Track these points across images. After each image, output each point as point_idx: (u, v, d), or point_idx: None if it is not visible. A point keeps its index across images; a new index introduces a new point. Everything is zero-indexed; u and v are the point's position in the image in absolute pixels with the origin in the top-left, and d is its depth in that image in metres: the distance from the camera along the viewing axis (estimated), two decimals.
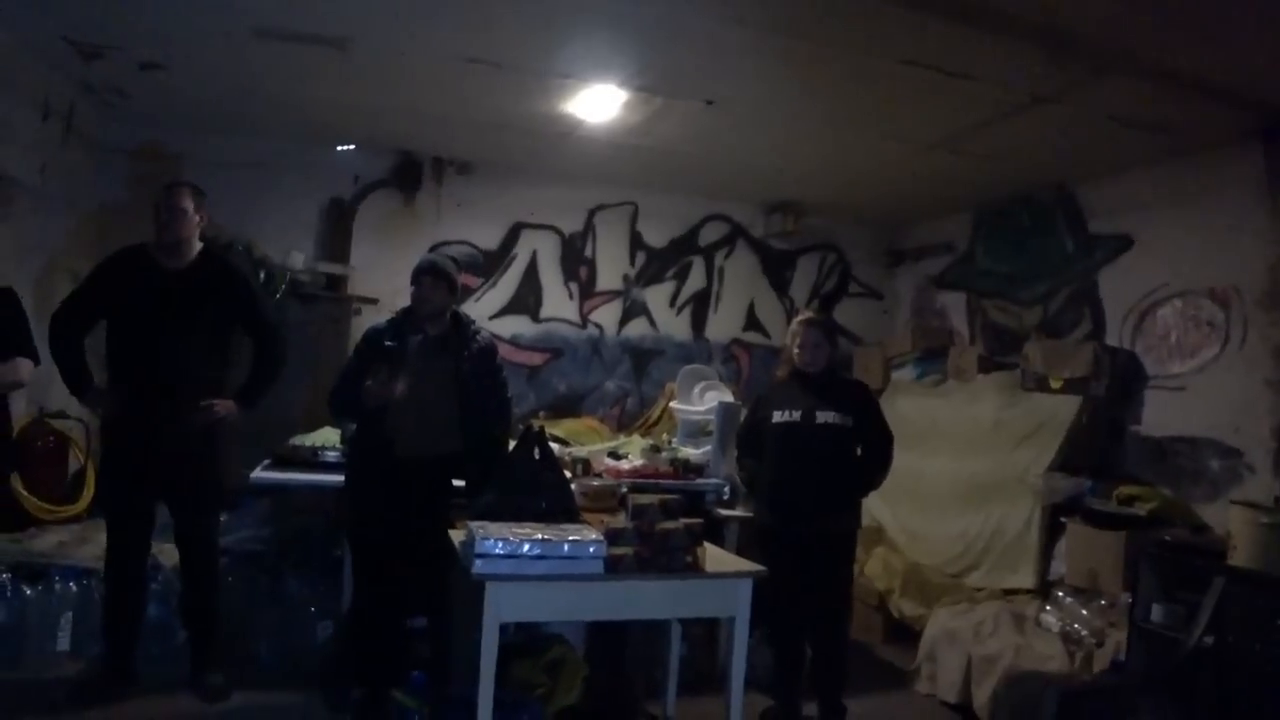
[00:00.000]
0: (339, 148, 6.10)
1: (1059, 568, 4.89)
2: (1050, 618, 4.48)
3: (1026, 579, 4.99)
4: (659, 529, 3.04)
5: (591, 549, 2.90)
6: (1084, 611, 4.41)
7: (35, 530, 4.70)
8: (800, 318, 4.22)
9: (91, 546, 4.33)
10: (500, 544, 2.79)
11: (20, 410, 4.95)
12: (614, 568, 2.94)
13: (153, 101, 5.47)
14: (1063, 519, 4.89)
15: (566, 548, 2.87)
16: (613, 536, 2.98)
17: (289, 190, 6.12)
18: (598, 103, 4.97)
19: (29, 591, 4.14)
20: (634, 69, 4.54)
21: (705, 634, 4.52)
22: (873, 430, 4.10)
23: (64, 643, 4.19)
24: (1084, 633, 4.30)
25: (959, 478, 5.60)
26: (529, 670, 3.87)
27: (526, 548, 2.80)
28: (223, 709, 3.87)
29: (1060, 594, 4.62)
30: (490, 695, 2.89)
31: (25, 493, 4.79)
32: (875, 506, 5.92)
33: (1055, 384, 5.29)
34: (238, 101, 5.42)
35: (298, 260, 5.85)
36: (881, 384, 6.57)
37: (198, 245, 3.92)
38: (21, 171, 4.88)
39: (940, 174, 5.82)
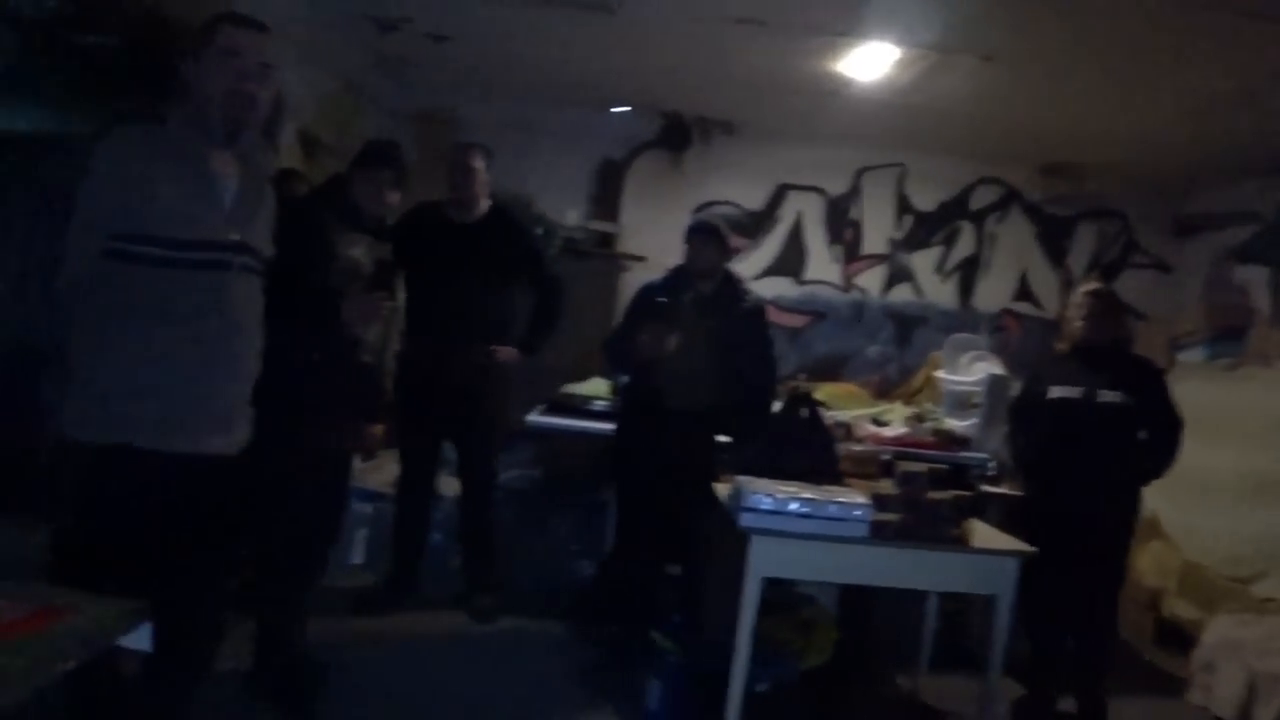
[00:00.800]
0: (613, 109, 6.29)
1: None
2: None
3: None
4: (927, 498, 2.99)
5: (857, 512, 2.89)
6: None
7: None
8: (1085, 287, 3.98)
9: (384, 474, 4.74)
10: (768, 499, 2.84)
11: None
12: (878, 533, 2.92)
13: (436, 70, 5.84)
14: None
15: (833, 509, 2.87)
16: (879, 502, 2.96)
17: (565, 151, 6.40)
18: (869, 61, 4.84)
19: None
20: (911, 24, 4.36)
21: (956, 610, 4.41)
22: (1160, 413, 3.82)
23: (358, 556, 4.69)
24: None
25: (1251, 472, 5.11)
26: (781, 627, 3.91)
27: (794, 505, 2.83)
28: (489, 629, 4.18)
29: None
30: (748, 646, 2.97)
31: None
32: (1151, 497, 5.43)
33: None
34: (514, 67, 5.68)
35: (572, 218, 6.13)
36: (1165, 364, 6.05)
37: (486, 201, 4.18)
38: (328, 135, 5.38)
39: (1242, 131, 5.25)
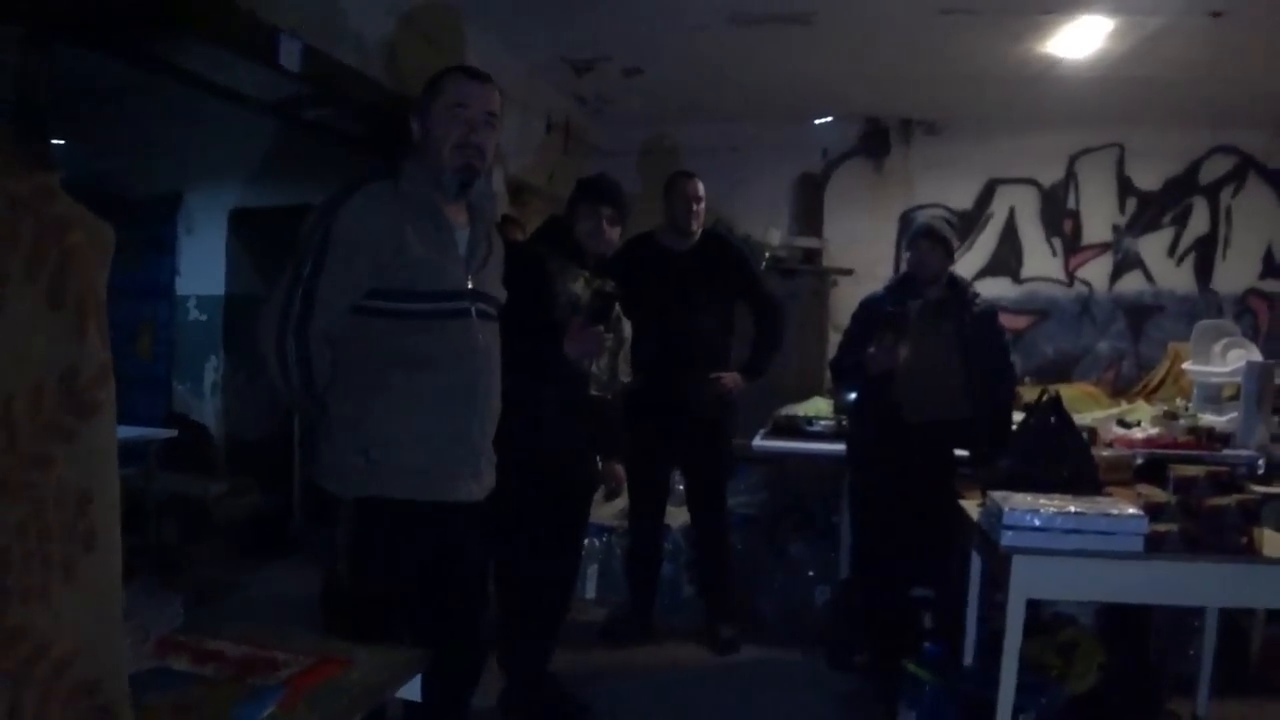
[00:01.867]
0: (816, 121, 6.21)
1: None
2: None
3: None
4: (1208, 504, 2.72)
5: (1131, 524, 2.65)
6: None
7: None
8: None
9: (612, 507, 4.79)
10: (1033, 515, 2.65)
11: None
12: (1156, 546, 2.66)
13: (635, 103, 5.95)
14: None
15: (1103, 522, 2.65)
16: (1153, 512, 2.71)
17: (761, 169, 6.35)
18: (1081, 36, 4.56)
19: None
20: None
21: (1236, 628, 4.01)
22: None
23: (590, 590, 4.74)
24: None
25: None
26: (1040, 650, 3.66)
27: (1059, 520, 2.63)
28: (732, 660, 4.13)
29: None
30: (1014, 674, 2.76)
31: None
32: None
33: None
34: (708, 91, 5.71)
35: (775, 236, 6.07)
36: None
37: (699, 229, 4.18)
38: (535, 178, 5.54)
39: None
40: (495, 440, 2.45)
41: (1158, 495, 2.83)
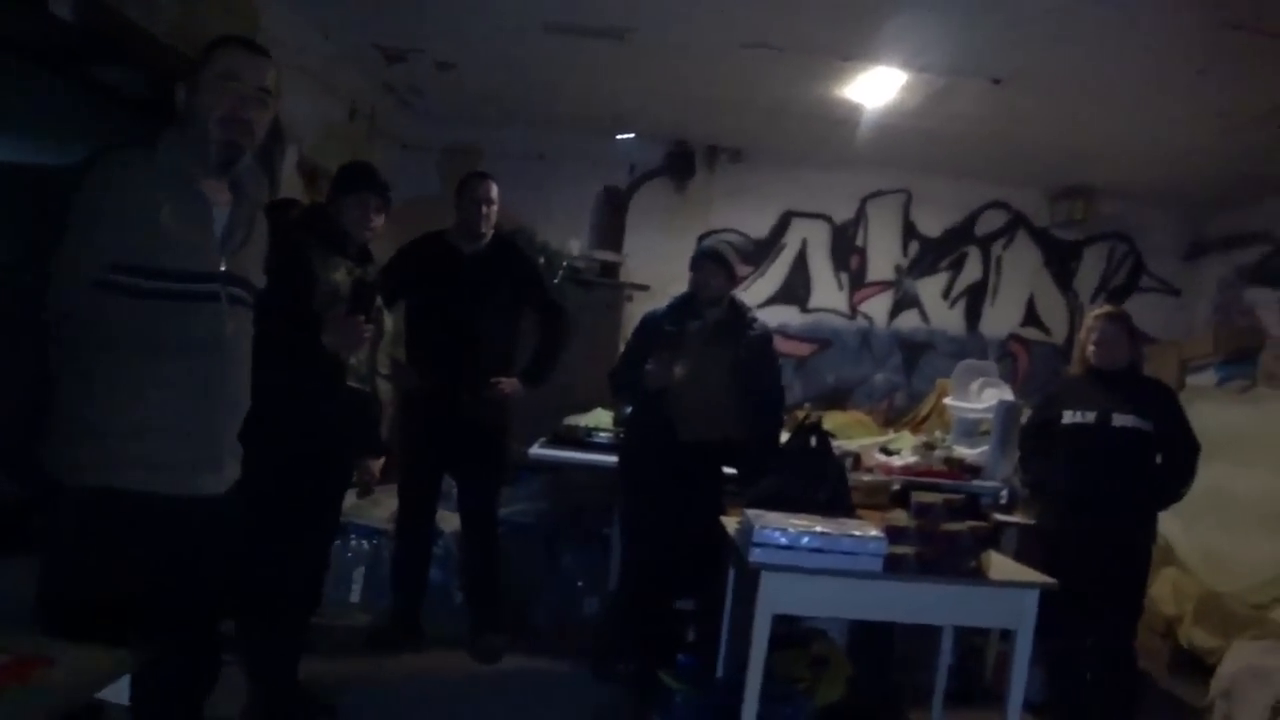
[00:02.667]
0: (618, 136, 6.27)
1: None
2: None
3: None
4: (943, 530, 2.90)
5: (871, 546, 2.80)
6: None
7: None
8: (1098, 310, 3.91)
9: (383, 509, 4.66)
10: (780, 534, 2.75)
11: None
12: (894, 567, 2.82)
13: (445, 99, 5.85)
14: None
15: (846, 543, 2.78)
16: (893, 535, 2.86)
17: (568, 179, 6.38)
18: (877, 85, 4.81)
19: None
20: (919, 48, 4.34)
21: (973, 644, 4.31)
22: (1177, 437, 3.74)
23: (355, 595, 4.58)
24: None
25: (1266, 496, 5.01)
26: (792, 663, 3.82)
27: (805, 539, 2.75)
28: (496, 669, 4.09)
29: None
30: (758, 685, 2.86)
31: None
32: (1166, 523, 5.34)
33: None
34: (520, 95, 5.69)
35: (574, 247, 6.09)
36: (1176, 388, 6.01)
37: (490, 232, 4.13)
38: (332, 165, 5.32)
39: (1259, 152, 5.21)
40: (243, 431, 2.34)
41: (902, 520, 2.99)
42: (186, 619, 2.28)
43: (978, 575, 2.92)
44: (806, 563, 2.78)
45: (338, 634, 4.19)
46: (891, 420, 6.42)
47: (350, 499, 4.36)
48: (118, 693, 1.78)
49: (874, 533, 2.85)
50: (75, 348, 2.11)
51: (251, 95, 2.20)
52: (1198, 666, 4.66)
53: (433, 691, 3.81)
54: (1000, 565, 3.13)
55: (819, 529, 2.79)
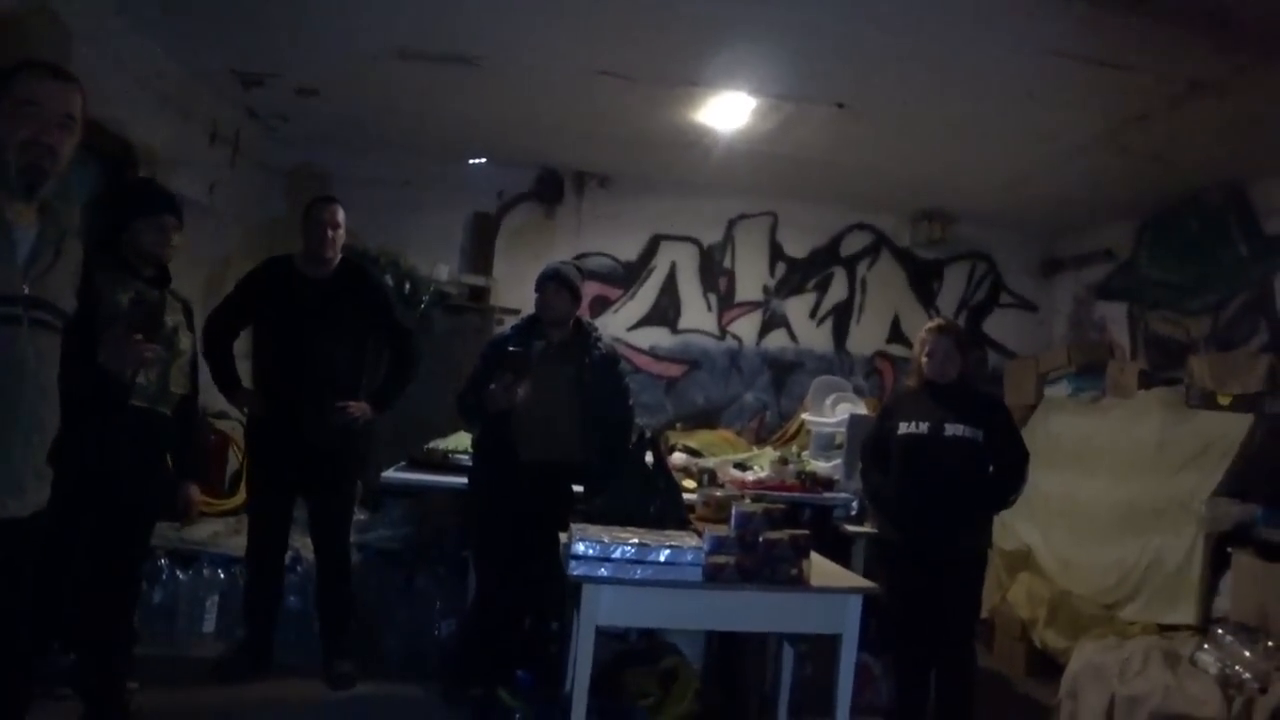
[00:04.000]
0: (471, 161, 6.31)
1: (1224, 604, 4.50)
2: (1208, 657, 4.09)
3: (1187, 614, 4.59)
4: (763, 539, 2.97)
5: (690, 556, 2.86)
6: (1247, 653, 3.99)
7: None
8: (929, 324, 4.04)
9: (241, 538, 4.57)
10: (594, 546, 2.79)
11: None
12: (714, 576, 2.89)
13: (310, 124, 5.83)
14: (1230, 550, 4.49)
15: (664, 554, 2.84)
16: (715, 545, 2.92)
17: (435, 205, 6.38)
18: (728, 111, 4.95)
19: (181, 576, 4.49)
20: (763, 75, 4.49)
21: (825, 654, 4.39)
22: (1006, 445, 3.88)
23: (209, 624, 4.51)
24: (1245, 676, 3.90)
25: (1116, 502, 5.21)
26: (642, 679, 3.87)
27: (618, 551, 2.79)
28: (348, 696, 4.03)
29: (1220, 632, 4.23)
30: (584, 698, 2.89)
31: None
32: (1023, 529, 5.63)
33: (1224, 400, 4.88)
34: (385, 121, 5.71)
35: (443, 272, 6.09)
36: (1034, 400, 6.25)
37: (337, 256, 4.12)
38: (193, 190, 5.26)
39: (1099, 175, 5.50)
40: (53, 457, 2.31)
41: (723, 530, 3.04)
42: None
43: (798, 582, 2.99)
44: (627, 574, 2.83)
45: (189, 665, 4.11)
46: (762, 438, 6.54)
47: (203, 528, 4.30)
48: None
49: (693, 543, 2.91)
50: None
51: (54, 121, 2.19)
52: (1051, 667, 4.83)
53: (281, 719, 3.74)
54: (825, 572, 3.22)
55: (634, 541, 2.84)
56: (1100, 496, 5.34)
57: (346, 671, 4.09)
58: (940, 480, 3.77)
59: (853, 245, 7.05)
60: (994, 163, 5.51)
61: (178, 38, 4.57)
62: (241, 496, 5.28)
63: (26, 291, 2.18)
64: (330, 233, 4.03)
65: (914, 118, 4.88)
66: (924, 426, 3.83)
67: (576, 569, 2.80)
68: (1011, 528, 5.52)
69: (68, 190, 2.39)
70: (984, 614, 4.72)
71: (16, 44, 3.58)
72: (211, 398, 5.28)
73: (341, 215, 4.07)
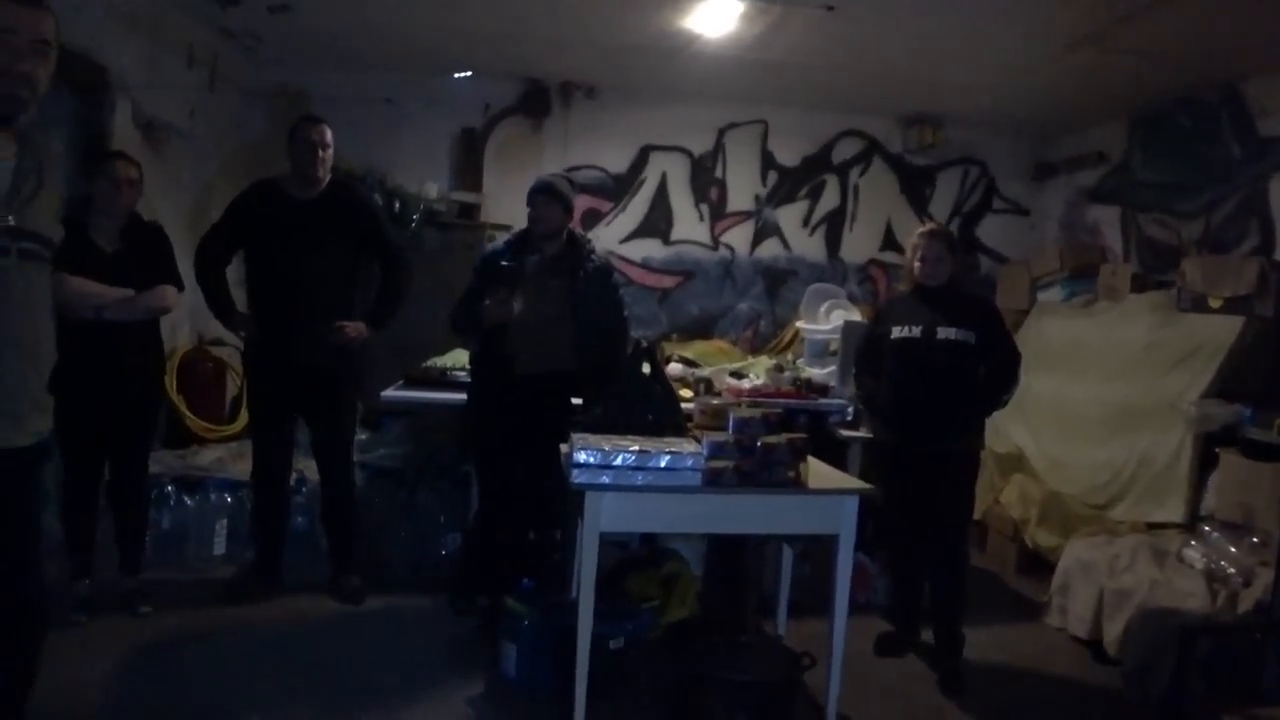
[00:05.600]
0: (456, 75, 6.21)
1: (1211, 502, 4.59)
2: (1194, 553, 4.19)
3: (1175, 512, 4.69)
4: (761, 443, 3.01)
5: (690, 461, 2.90)
6: (1232, 549, 4.10)
7: (197, 447, 5.09)
8: (921, 229, 4.03)
9: (244, 462, 4.61)
10: (596, 454, 2.84)
11: (183, 339, 5.37)
12: (713, 481, 2.93)
13: (286, 44, 5.73)
14: (1217, 449, 4.55)
15: (664, 460, 2.88)
16: (713, 449, 2.96)
17: (421, 122, 6.32)
18: (714, 15, 4.85)
19: (189, 501, 4.54)
20: None
21: (822, 555, 4.50)
22: (998, 347, 3.90)
23: (219, 547, 4.57)
24: (1230, 571, 4.00)
25: (1106, 403, 5.28)
26: (644, 583, 3.96)
27: (619, 459, 2.84)
28: (359, 609, 4.13)
29: (1207, 529, 4.32)
30: (590, 601, 2.96)
31: (188, 413, 5.18)
32: (1016, 432, 5.71)
33: (1215, 303, 4.89)
34: (363, 38, 5.60)
35: (432, 190, 6.04)
36: (1027, 304, 6.28)
37: (327, 176, 4.08)
38: (172, 116, 5.20)
39: (1089, 75, 5.42)
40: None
41: (721, 436, 3.08)
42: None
43: (796, 485, 3.05)
44: (628, 481, 2.88)
45: (201, 587, 4.20)
46: (757, 348, 6.57)
47: (207, 454, 4.34)
48: None
49: (691, 449, 2.95)
50: None
51: (26, 48, 2.15)
52: (1042, 565, 4.95)
53: (294, 635, 3.83)
54: (822, 474, 3.28)
55: (636, 448, 2.88)
56: (1091, 399, 5.41)
57: (356, 586, 4.18)
58: (933, 383, 3.80)
59: (844, 152, 6.99)
60: (983, 62, 5.42)
61: None
62: (242, 422, 5.34)
63: (11, 223, 2.17)
64: (321, 153, 3.98)
65: (903, 18, 4.78)
66: (916, 330, 3.85)
67: (579, 477, 2.85)
68: (1004, 431, 5.60)
69: (44, 118, 2.34)
70: (977, 516, 4.82)
71: None
72: (208, 325, 5.32)
73: (329, 135, 4.02)
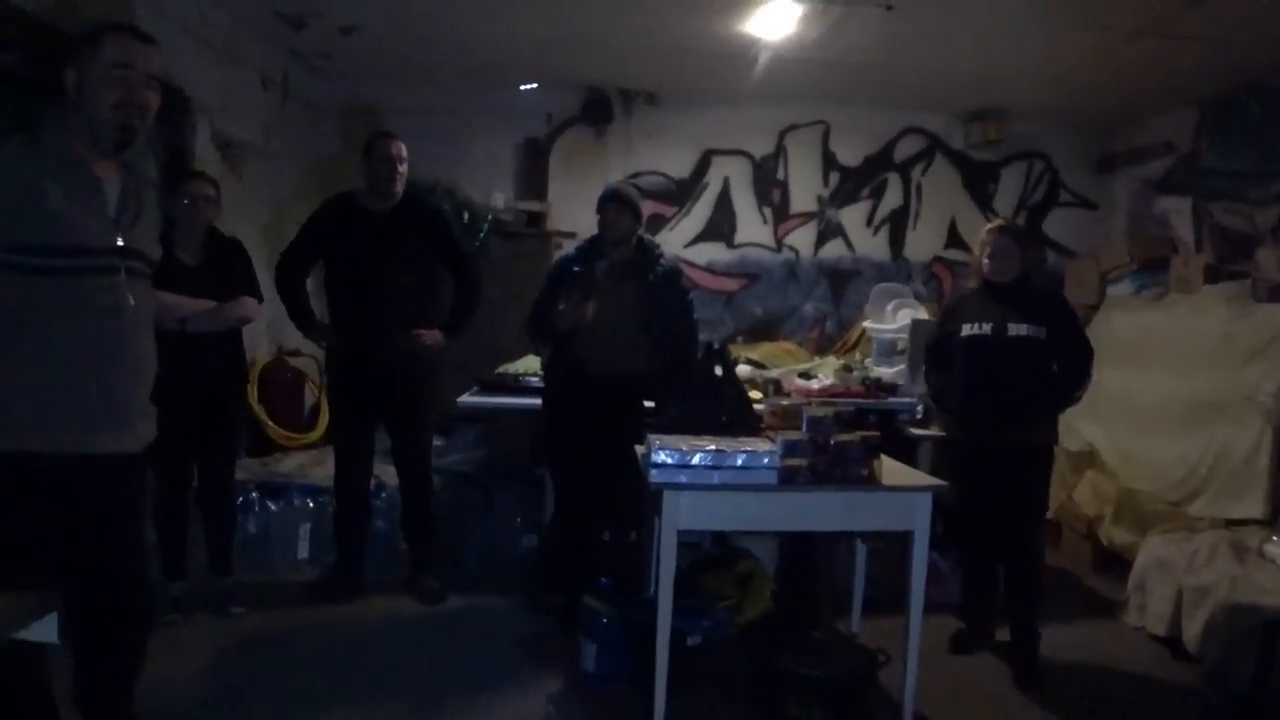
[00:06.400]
0: (522, 87, 6.33)
1: None
2: (1276, 549, 4.14)
3: (1255, 508, 4.60)
4: (835, 441, 3.04)
5: (766, 460, 2.95)
6: None
7: (279, 455, 5.26)
8: (989, 225, 4.02)
9: (325, 468, 4.78)
10: (673, 454, 2.89)
11: (263, 350, 5.54)
12: (788, 479, 2.97)
13: (354, 61, 5.90)
14: None
15: (740, 459, 2.93)
16: (788, 448, 3.00)
17: (486, 133, 6.45)
18: (774, 18, 4.88)
19: (273, 507, 4.70)
20: None
21: (893, 554, 4.50)
22: (1070, 343, 3.87)
23: (303, 551, 4.73)
24: None
25: (1180, 397, 5.19)
26: (719, 582, 4.01)
27: (697, 458, 2.89)
28: (438, 610, 4.24)
29: None
30: (669, 599, 3.02)
31: (269, 422, 5.35)
32: (1087, 428, 5.64)
33: None
34: (428, 52, 5.73)
35: (499, 200, 6.17)
36: (1096, 299, 6.20)
37: (401, 189, 4.20)
38: (248, 135, 5.39)
39: (1155, 64, 5.34)
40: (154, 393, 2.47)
41: (796, 434, 3.12)
42: (106, 572, 2.42)
43: (870, 481, 3.08)
44: (705, 480, 2.93)
45: (285, 589, 4.36)
46: (823, 348, 6.58)
47: (289, 461, 4.47)
48: (45, 634, 1.88)
49: (766, 448, 3.00)
50: None
51: (143, 81, 2.29)
52: (1118, 563, 4.89)
53: (376, 635, 3.95)
54: (895, 472, 3.30)
55: (712, 447, 2.94)
56: (1164, 393, 5.32)
57: (434, 587, 4.29)
58: (1005, 379, 3.79)
59: (906, 150, 6.97)
60: (1045, 54, 5.37)
61: None
62: (320, 430, 5.51)
63: (120, 243, 2.31)
64: (399, 167, 4.11)
65: (965, 14, 4.77)
66: (987, 327, 3.84)
67: (657, 477, 2.91)
68: (1075, 428, 5.53)
69: (141, 144, 2.49)
70: (1050, 514, 4.77)
71: (85, 8, 3.70)
72: (287, 336, 5.49)
73: (403, 149, 4.14)
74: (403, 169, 4.14)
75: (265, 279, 4.19)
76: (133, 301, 2.33)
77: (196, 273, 3.80)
